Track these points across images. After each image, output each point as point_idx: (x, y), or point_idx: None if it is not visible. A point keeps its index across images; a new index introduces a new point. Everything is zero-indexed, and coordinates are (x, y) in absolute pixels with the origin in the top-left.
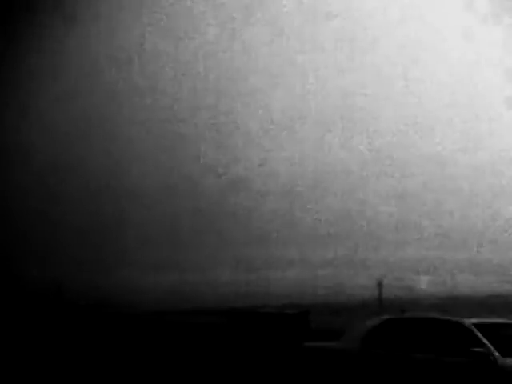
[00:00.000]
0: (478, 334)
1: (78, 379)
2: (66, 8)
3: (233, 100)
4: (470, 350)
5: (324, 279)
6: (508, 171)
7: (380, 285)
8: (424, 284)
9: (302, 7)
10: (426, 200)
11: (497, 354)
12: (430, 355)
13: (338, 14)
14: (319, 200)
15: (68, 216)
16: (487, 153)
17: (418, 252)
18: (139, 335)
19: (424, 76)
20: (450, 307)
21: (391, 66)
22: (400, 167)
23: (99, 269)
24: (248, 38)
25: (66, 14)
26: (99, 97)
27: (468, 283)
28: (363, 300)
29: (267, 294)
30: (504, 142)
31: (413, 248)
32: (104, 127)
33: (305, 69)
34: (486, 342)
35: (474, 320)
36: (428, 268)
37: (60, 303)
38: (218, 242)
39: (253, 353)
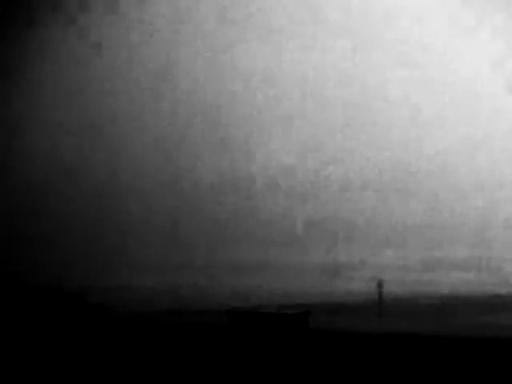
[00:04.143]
0: None
1: (77, 379)
2: (67, 8)
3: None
4: None
5: (323, 279)
6: (508, 170)
7: (380, 285)
8: (425, 283)
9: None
10: (426, 199)
11: None
12: None
13: (338, 10)
14: (317, 199)
15: (67, 215)
16: (487, 153)
17: (418, 252)
18: (139, 336)
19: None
20: (450, 307)
21: (391, 65)
22: (400, 166)
23: (98, 268)
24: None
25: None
26: (100, 95)
27: (468, 283)
28: (363, 300)
29: (267, 294)
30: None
31: (413, 248)
32: (103, 127)
33: (304, 67)
34: None
35: None
36: (428, 268)
37: (60, 302)
38: (218, 241)
39: (253, 353)
